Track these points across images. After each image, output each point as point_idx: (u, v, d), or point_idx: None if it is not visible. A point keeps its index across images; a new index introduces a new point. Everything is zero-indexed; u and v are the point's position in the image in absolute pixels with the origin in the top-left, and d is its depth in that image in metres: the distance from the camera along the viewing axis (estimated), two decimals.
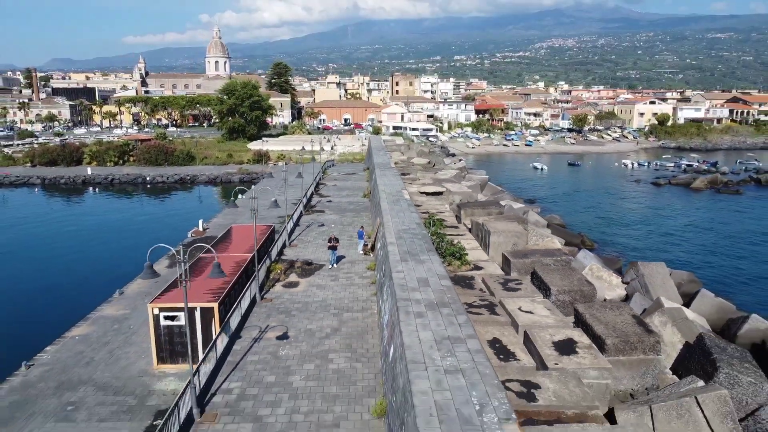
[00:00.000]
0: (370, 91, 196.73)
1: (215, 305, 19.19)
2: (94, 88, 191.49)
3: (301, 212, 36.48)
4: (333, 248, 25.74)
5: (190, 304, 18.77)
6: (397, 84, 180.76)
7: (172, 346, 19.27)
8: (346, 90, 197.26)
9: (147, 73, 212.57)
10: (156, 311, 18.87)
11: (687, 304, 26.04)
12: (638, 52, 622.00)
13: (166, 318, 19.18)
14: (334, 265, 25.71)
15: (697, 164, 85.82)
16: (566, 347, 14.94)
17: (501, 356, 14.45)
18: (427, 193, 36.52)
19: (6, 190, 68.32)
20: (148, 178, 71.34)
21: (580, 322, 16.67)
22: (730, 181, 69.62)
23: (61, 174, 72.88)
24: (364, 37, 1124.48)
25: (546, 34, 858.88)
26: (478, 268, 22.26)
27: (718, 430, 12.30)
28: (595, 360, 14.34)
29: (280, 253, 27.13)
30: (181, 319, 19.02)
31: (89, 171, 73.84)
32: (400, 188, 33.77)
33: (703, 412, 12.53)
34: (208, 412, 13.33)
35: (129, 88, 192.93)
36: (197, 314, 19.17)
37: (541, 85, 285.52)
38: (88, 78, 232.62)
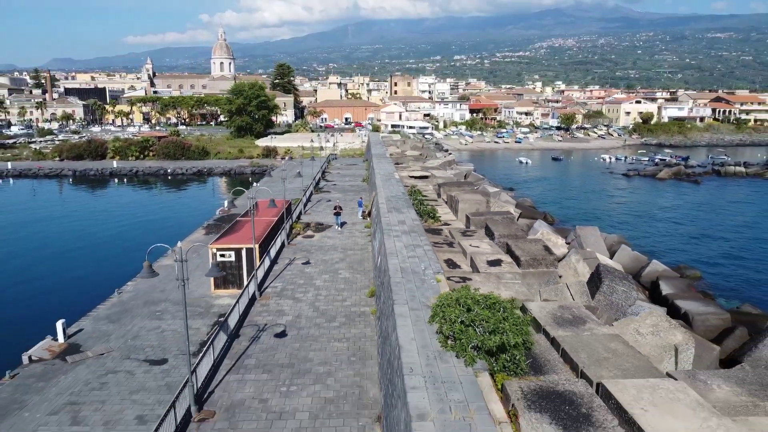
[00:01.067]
0: (369, 91, 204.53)
1: (256, 246, 26.99)
2: (104, 88, 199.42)
3: (312, 191, 44.35)
4: (337, 214, 33.56)
5: (237, 245, 26.74)
6: (395, 84, 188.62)
7: (224, 276, 27.06)
8: (346, 90, 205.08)
9: (154, 74, 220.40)
10: (214, 250, 26.63)
11: (612, 256, 33.86)
12: (638, 51, 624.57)
13: (221, 255, 27.00)
14: (339, 228, 33.48)
15: (669, 159, 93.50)
16: (495, 263, 22.68)
17: (450, 266, 22.19)
18: (415, 177, 44.27)
19: (41, 181, 76.18)
20: (169, 170, 79.16)
21: (509, 251, 24.41)
22: (692, 173, 77.47)
23: (90, 167, 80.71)
24: (364, 36, 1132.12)
25: (546, 34, 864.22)
26: (447, 224, 30.01)
27: (577, 299, 20.08)
28: (512, 269, 22.08)
29: (298, 218, 35.03)
30: (232, 256, 26.85)
31: (115, 164, 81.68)
32: (392, 171, 41.61)
33: (569, 291, 20.32)
34: (264, 294, 21.15)
35: (137, 88, 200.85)
36: (243, 252, 26.98)
37: (539, 85, 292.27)
38: (93, 78, 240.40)
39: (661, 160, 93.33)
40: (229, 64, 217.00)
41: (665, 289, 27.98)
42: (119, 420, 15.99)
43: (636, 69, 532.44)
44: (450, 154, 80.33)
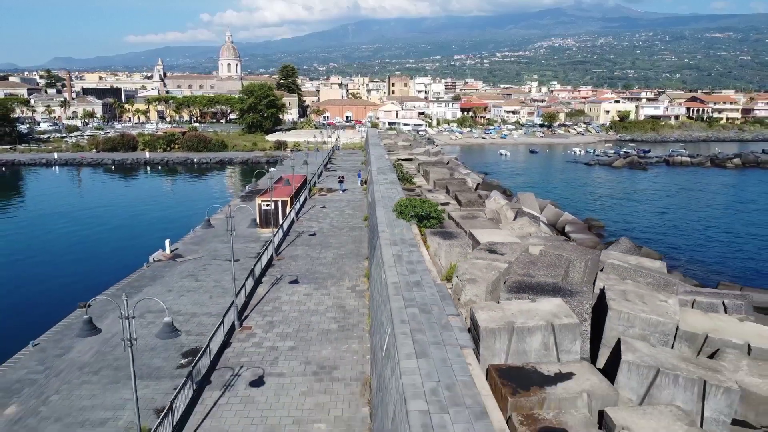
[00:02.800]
0: (369, 91, 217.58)
1: (288, 199, 39.91)
2: (120, 89, 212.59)
3: (322, 170, 57.31)
4: (340, 181, 46.50)
5: (275, 198, 39.56)
6: (393, 85, 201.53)
7: (266, 219, 39.92)
8: (347, 90, 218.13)
9: (165, 74, 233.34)
10: (260, 201, 39.49)
11: (541, 212, 46.68)
12: (637, 51, 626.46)
13: (265, 205, 39.86)
14: (342, 192, 46.36)
15: (631, 152, 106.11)
16: (445, 204, 35.46)
17: None
18: (402, 159, 57.09)
19: (85, 169, 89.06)
20: (195, 160, 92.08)
21: (455, 198, 37.23)
22: (644, 162, 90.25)
23: (125, 157, 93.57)
24: (364, 36, 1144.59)
25: (546, 34, 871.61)
26: (419, 186, 42.88)
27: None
28: (455, 206, 34.88)
29: (314, 185, 48.04)
30: (271, 206, 39.76)
31: (147, 155, 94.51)
32: (384, 154, 54.51)
33: (485, 216, 33.13)
34: (299, 219, 34.13)
35: (149, 88, 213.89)
36: (280, 203, 39.87)
37: (534, 85, 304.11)
38: (101, 78, 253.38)
39: (625, 152, 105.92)
40: (236, 65, 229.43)
41: (567, 228, 40.97)
42: (221, 279, 28.75)
43: (635, 69, 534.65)
44: (437, 146, 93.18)
